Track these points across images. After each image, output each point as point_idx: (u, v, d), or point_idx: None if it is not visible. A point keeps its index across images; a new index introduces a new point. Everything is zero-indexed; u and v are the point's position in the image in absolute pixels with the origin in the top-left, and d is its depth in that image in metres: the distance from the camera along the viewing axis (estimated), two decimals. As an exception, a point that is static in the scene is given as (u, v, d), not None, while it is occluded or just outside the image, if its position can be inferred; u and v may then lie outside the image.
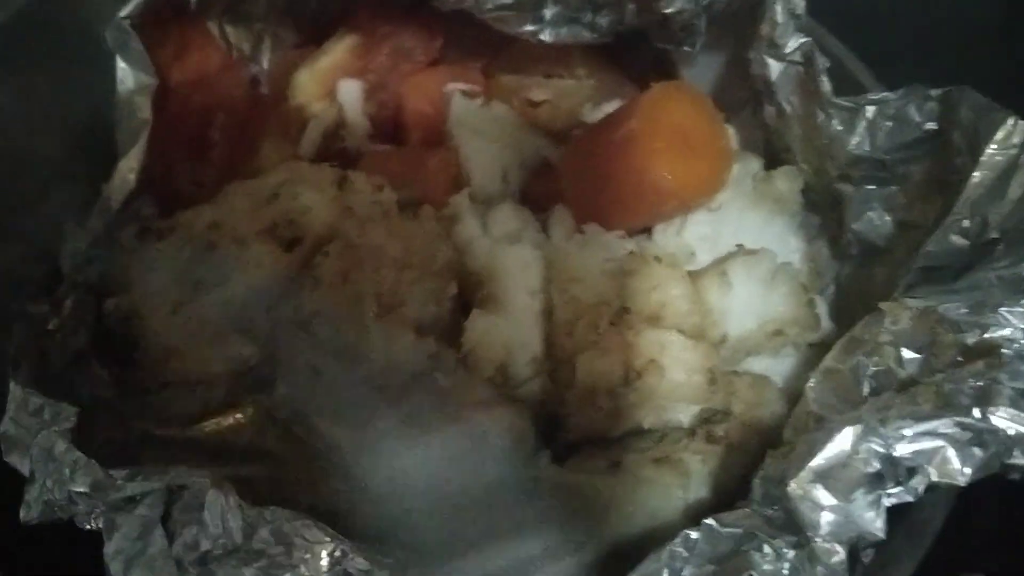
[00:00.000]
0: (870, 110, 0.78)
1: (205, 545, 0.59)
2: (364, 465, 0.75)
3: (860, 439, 0.57)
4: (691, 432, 0.73)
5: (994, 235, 0.69)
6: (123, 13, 0.82)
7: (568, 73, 0.98)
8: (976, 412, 0.57)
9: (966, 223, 0.70)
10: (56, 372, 0.75)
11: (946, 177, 0.74)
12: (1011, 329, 0.61)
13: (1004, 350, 0.60)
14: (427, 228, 0.78)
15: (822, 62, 0.80)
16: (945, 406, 0.58)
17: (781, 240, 0.86)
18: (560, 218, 0.85)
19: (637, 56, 0.97)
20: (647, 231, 0.87)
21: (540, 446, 0.74)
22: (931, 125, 0.75)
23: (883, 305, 0.70)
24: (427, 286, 0.76)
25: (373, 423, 0.73)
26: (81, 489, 0.61)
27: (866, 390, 0.68)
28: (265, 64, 1.01)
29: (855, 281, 0.85)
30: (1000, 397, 0.57)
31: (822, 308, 0.82)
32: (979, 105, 0.71)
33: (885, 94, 0.78)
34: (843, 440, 0.57)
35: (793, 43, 0.82)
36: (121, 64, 0.82)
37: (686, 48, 0.88)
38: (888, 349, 0.68)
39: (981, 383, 0.59)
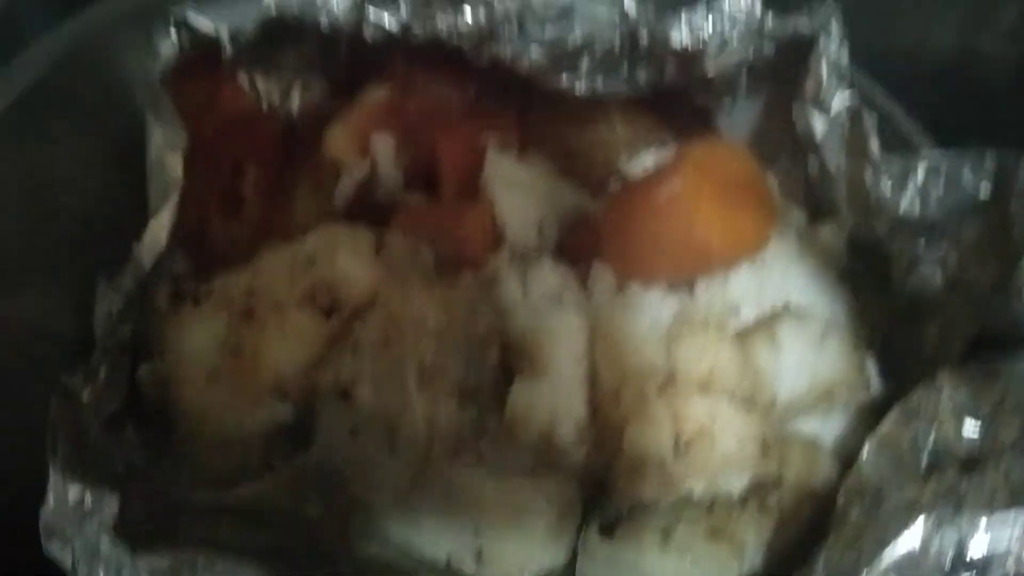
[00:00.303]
0: (921, 172, 0.76)
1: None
2: (404, 535, 0.74)
3: (933, 530, 0.55)
4: (743, 500, 0.71)
5: (1054, 309, 0.67)
6: (154, 72, 0.80)
7: (604, 122, 0.96)
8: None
9: (1025, 293, 0.68)
10: (92, 442, 0.73)
11: (1001, 243, 0.72)
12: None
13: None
14: (467, 294, 0.76)
15: (871, 120, 0.78)
16: (1019, 493, 0.56)
17: (827, 294, 0.84)
18: (601, 276, 0.83)
19: (675, 105, 0.95)
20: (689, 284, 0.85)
21: (587, 517, 0.72)
22: (985, 187, 0.73)
23: (940, 374, 0.68)
24: (469, 353, 0.74)
25: (414, 494, 0.72)
26: None
27: (925, 462, 0.66)
28: (295, 112, 0.99)
29: (905, 336, 0.82)
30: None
31: (871, 367, 0.80)
32: (1039, 173, 0.69)
33: (937, 155, 0.75)
34: (915, 531, 0.55)
35: (839, 100, 0.80)
36: (152, 122, 0.81)
37: (725, 103, 0.86)
38: (947, 419, 0.66)
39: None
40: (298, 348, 0.74)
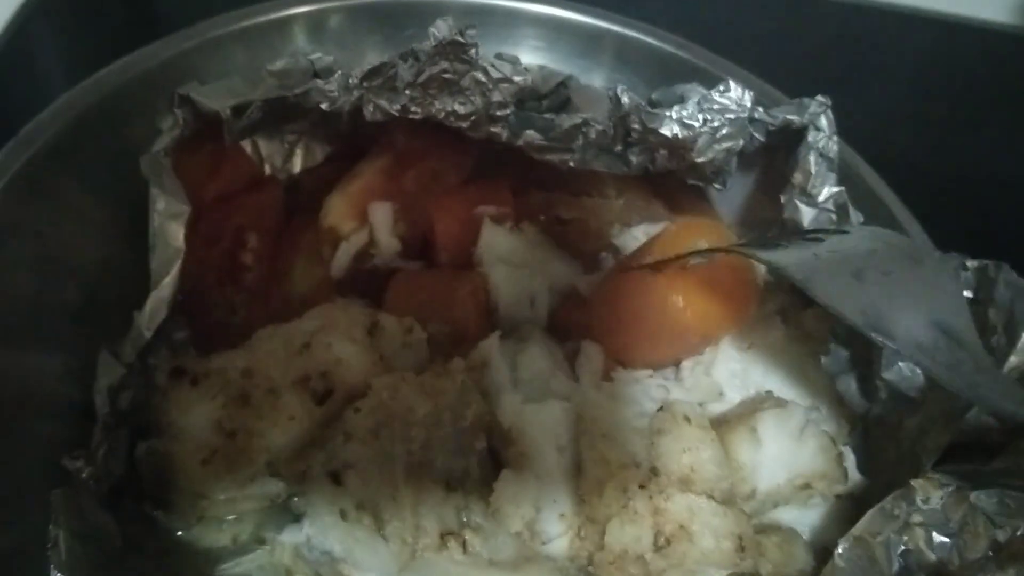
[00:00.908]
0: (904, 272, 0.76)
1: None
2: None
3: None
4: (720, 596, 0.72)
5: (1025, 421, 0.68)
6: (157, 147, 0.81)
7: (598, 192, 0.97)
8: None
9: (1001, 405, 0.69)
10: (89, 520, 0.74)
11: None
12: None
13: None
14: (457, 382, 0.77)
15: (855, 216, 0.79)
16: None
17: (810, 383, 0.85)
18: (588, 358, 0.84)
19: (668, 178, 0.96)
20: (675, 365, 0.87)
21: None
22: (966, 294, 0.74)
23: (914, 482, 0.69)
24: (456, 442, 0.75)
25: (401, 582, 0.73)
26: None
27: (895, 567, 0.67)
28: (296, 173, 1.00)
29: (884, 424, 0.83)
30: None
31: (850, 459, 0.81)
32: (1016, 286, 0.70)
33: (920, 258, 0.76)
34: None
35: (826, 192, 0.82)
36: (155, 192, 0.81)
37: (716, 186, 0.87)
38: (918, 530, 0.67)
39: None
40: (291, 432, 0.75)
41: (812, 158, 0.81)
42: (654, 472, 0.74)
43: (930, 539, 0.66)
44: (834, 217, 0.81)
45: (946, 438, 0.72)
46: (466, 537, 0.73)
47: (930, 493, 0.67)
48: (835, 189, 0.81)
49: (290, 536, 0.78)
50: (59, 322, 0.82)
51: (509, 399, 0.78)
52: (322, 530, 0.75)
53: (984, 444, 0.70)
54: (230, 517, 0.79)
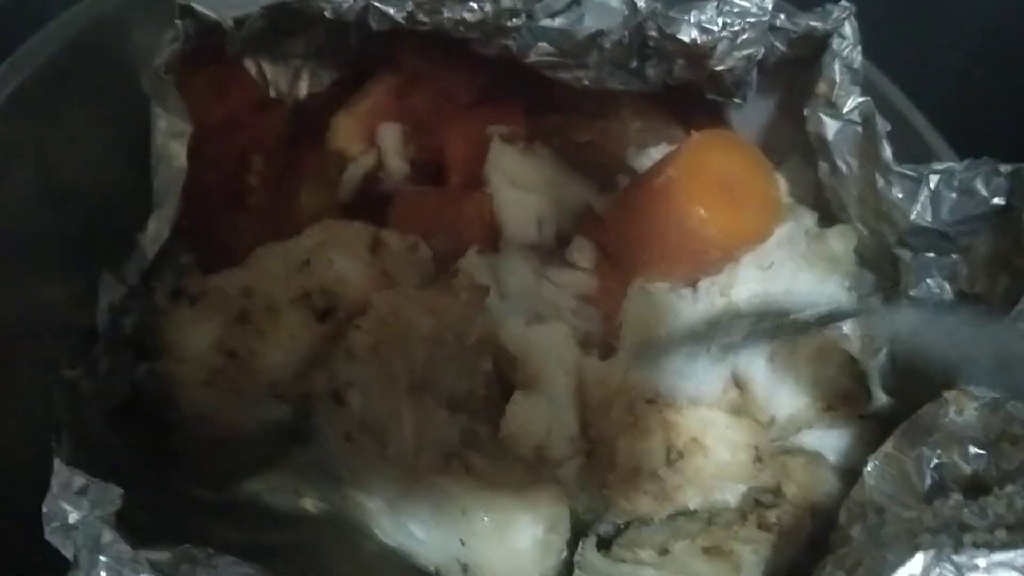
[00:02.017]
0: (933, 180, 0.72)
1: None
2: (396, 541, 0.71)
3: (932, 564, 0.52)
4: (741, 515, 0.69)
5: (1065, 330, 0.64)
6: (158, 61, 0.77)
7: (614, 114, 0.92)
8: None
9: (1037, 313, 0.65)
10: (95, 435, 0.71)
11: (1013, 258, 0.68)
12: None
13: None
14: (461, 301, 0.73)
15: (883, 125, 0.74)
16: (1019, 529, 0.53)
17: (833, 302, 0.80)
18: (580, 249, 0.81)
19: (686, 98, 0.91)
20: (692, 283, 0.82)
21: (583, 531, 0.69)
22: (999, 201, 0.69)
23: (947, 394, 0.65)
24: (460, 362, 0.72)
25: (405, 501, 0.69)
26: None
27: (928, 482, 0.63)
28: (302, 99, 0.95)
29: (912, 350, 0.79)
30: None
31: (875, 379, 0.77)
32: (1054, 188, 0.64)
33: (950, 165, 0.72)
34: (915, 564, 0.52)
35: (851, 103, 0.76)
36: (157, 111, 0.77)
37: (736, 100, 0.82)
38: (952, 442, 0.63)
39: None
40: (292, 351, 0.72)
41: (837, 66, 0.76)
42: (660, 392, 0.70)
43: (965, 452, 0.62)
44: (860, 129, 0.76)
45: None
46: (470, 459, 0.69)
47: (964, 404, 0.63)
48: (860, 99, 0.76)
49: (297, 458, 0.74)
50: (62, 245, 0.78)
51: (513, 322, 0.74)
52: (327, 452, 0.72)
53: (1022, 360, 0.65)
54: (236, 441, 0.76)
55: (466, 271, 0.76)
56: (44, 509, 0.61)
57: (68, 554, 0.60)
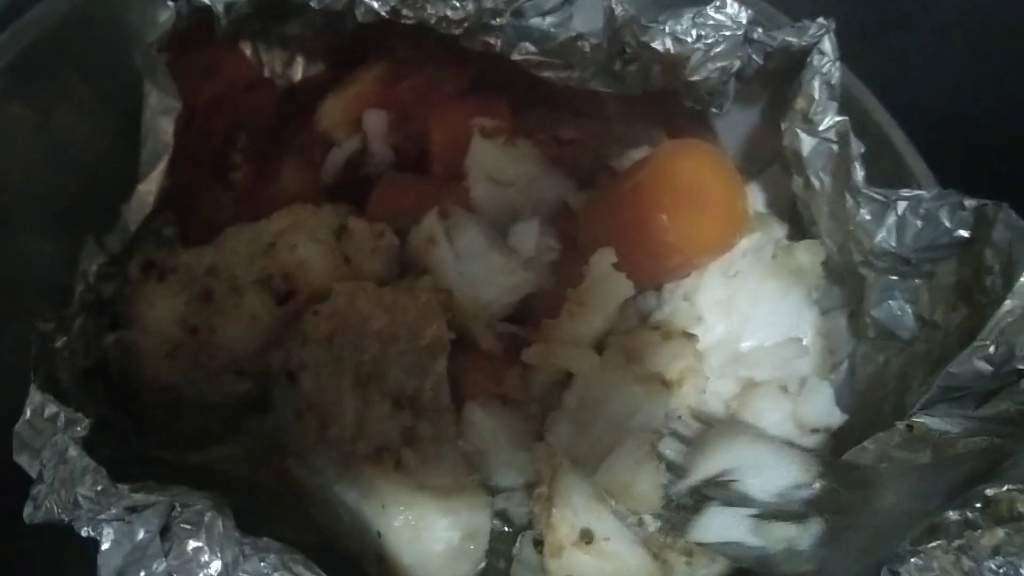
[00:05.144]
0: (901, 206, 0.69)
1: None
2: (326, 521, 0.70)
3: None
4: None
5: (1020, 366, 0.61)
6: (151, 39, 0.75)
7: (598, 113, 0.89)
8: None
9: (992, 349, 0.62)
10: (65, 388, 0.70)
11: (973, 291, 0.64)
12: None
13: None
14: (420, 302, 0.70)
15: (857, 146, 0.70)
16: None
17: (796, 313, 0.77)
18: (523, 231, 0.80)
19: (674, 104, 0.87)
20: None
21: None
22: (962, 233, 0.65)
23: (899, 424, 0.61)
24: (411, 360, 0.69)
25: (338, 484, 0.68)
26: (87, 493, 0.58)
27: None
28: (296, 81, 0.93)
29: (869, 363, 0.76)
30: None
31: (827, 394, 0.73)
32: (1016, 227, 0.60)
33: (919, 192, 0.68)
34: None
35: (828, 121, 0.72)
36: (148, 86, 0.75)
37: (714, 109, 0.77)
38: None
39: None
40: (252, 331, 0.71)
41: (816, 83, 0.71)
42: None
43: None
44: (835, 148, 0.72)
45: (932, 381, 0.63)
46: (405, 456, 0.67)
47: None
48: (838, 118, 0.71)
49: (256, 425, 0.74)
50: (51, 209, 0.78)
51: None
52: (281, 425, 0.71)
53: (973, 393, 0.62)
54: (202, 410, 0.75)
55: (429, 278, 0.73)
56: (15, 433, 0.61)
57: (33, 472, 0.60)
